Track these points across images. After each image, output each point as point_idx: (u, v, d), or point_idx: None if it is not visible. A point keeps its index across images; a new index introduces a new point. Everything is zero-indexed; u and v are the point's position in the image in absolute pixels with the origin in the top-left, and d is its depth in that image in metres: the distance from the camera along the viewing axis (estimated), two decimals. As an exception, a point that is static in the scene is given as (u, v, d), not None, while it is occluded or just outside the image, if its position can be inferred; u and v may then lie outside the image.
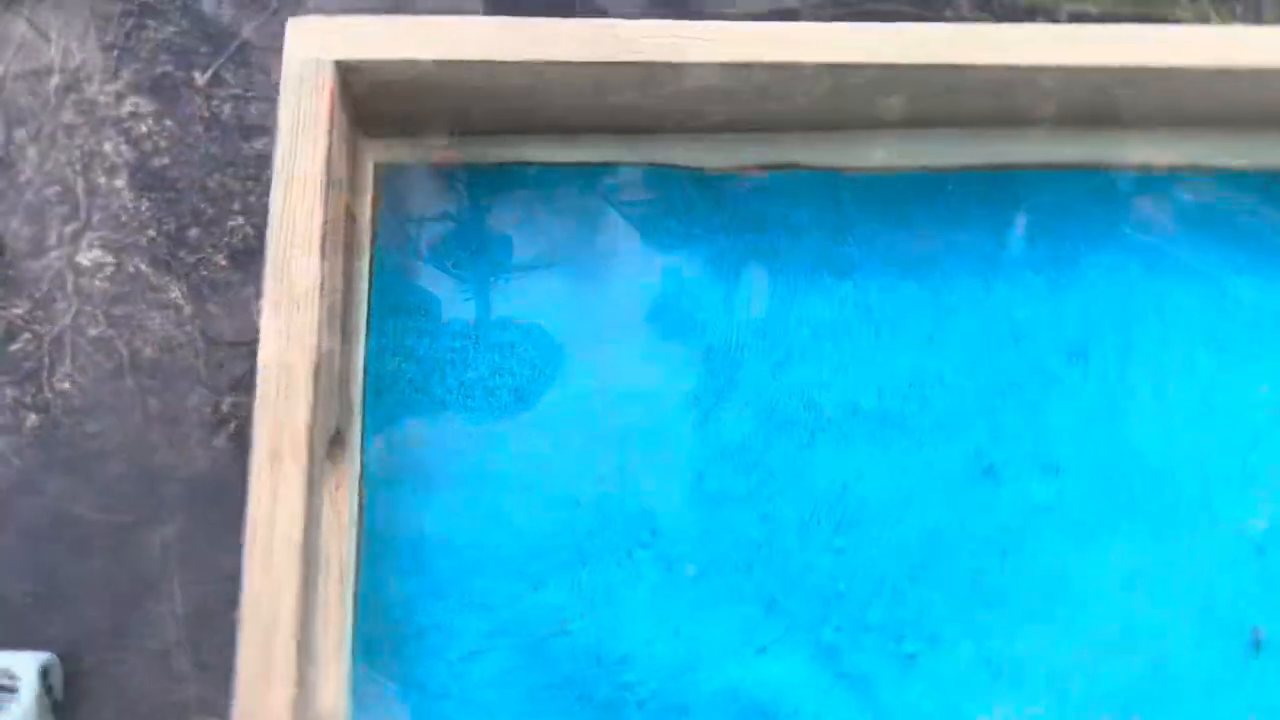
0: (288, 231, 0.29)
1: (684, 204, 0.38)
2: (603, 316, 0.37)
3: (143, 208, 0.36)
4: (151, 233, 0.36)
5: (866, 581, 0.36)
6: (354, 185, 0.35)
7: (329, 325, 0.30)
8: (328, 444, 0.32)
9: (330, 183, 0.30)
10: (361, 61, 0.31)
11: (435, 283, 0.37)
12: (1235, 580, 0.37)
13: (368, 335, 0.36)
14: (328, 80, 0.30)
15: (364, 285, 0.36)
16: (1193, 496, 0.37)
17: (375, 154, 0.37)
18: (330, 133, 0.29)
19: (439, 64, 0.31)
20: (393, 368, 0.36)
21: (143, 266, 0.36)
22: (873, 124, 0.37)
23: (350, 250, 0.35)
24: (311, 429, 0.28)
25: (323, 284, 0.29)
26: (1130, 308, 0.38)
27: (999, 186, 0.39)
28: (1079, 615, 0.36)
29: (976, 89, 0.34)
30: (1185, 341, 0.38)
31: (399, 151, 0.36)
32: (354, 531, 0.35)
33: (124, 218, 0.36)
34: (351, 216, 0.34)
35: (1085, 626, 0.36)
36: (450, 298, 0.37)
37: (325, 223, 0.29)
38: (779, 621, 0.35)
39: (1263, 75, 0.34)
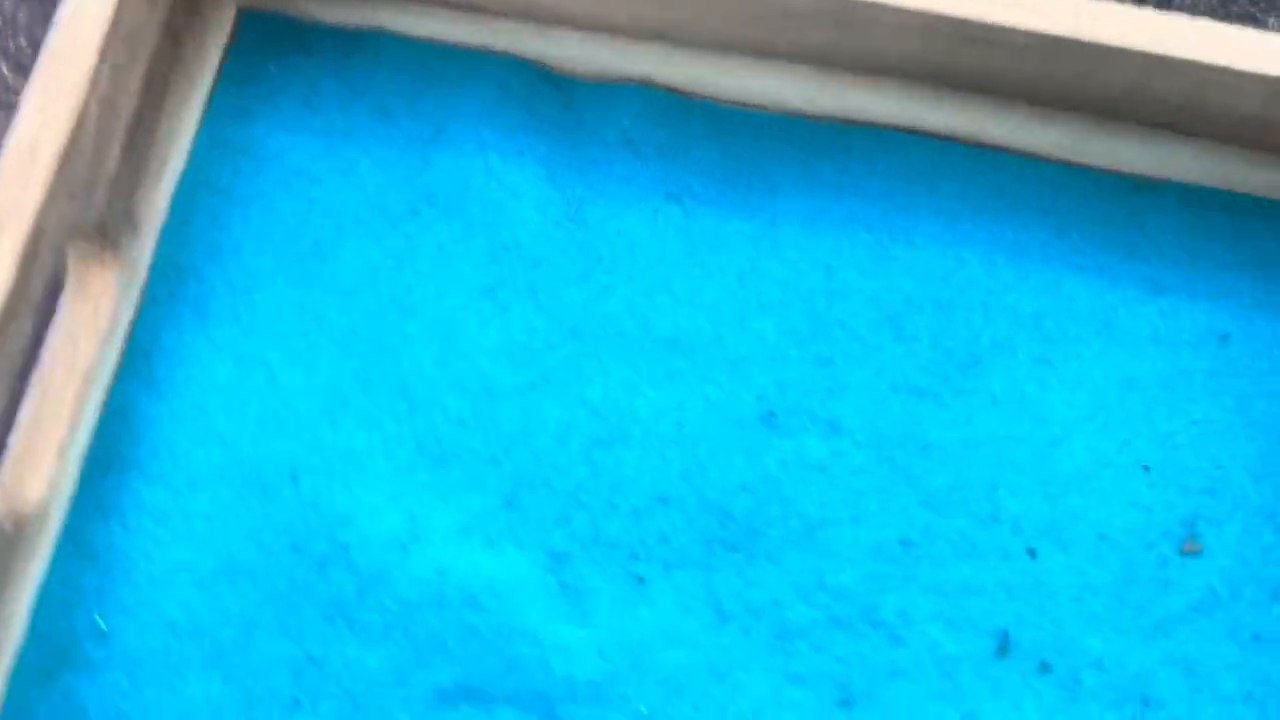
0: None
1: (534, 100, 0.38)
2: (416, 190, 0.37)
3: None
4: None
5: (613, 498, 0.35)
6: (208, 24, 0.37)
7: (105, 130, 0.31)
8: (94, 241, 0.33)
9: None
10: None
11: (269, 131, 0.38)
12: (996, 577, 0.35)
13: (185, 170, 0.37)
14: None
15: (193, 119, 0.37)
16: (972, 481, 0.35)
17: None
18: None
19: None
20: (200, 200, 0.37)
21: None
22: (764, 54, 0.37)
23: (180, 83, 0.36)
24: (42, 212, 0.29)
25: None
26: (956, 286, 0.37)
27: (856, 142, 0.38)
28: (826, 572, 0.34)
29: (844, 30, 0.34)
30: (1007, 329, 0.37)
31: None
32: (116, 340, 0.35)
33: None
34: (175, 45, 0.35)
35: (828, 584, 0.34)
36: (281, 148, 0.38)
37: (113, 23, 0.30)
38: (514, 518, 0.34)
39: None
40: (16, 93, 0.38)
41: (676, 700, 0.33)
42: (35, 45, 0.39)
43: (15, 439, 0.33)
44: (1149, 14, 0.33)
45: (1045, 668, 0.34)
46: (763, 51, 0.37)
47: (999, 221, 0.38)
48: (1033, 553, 0.35)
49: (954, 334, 0.37)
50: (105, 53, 0.30)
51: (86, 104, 0.30)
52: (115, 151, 0.32)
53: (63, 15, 0.30)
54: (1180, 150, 0.38)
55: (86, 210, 0.32)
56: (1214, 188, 0.39)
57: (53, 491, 0.33)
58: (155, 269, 0.36)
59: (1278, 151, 0.37)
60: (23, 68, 0.39)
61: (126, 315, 0.35)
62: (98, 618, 0.33)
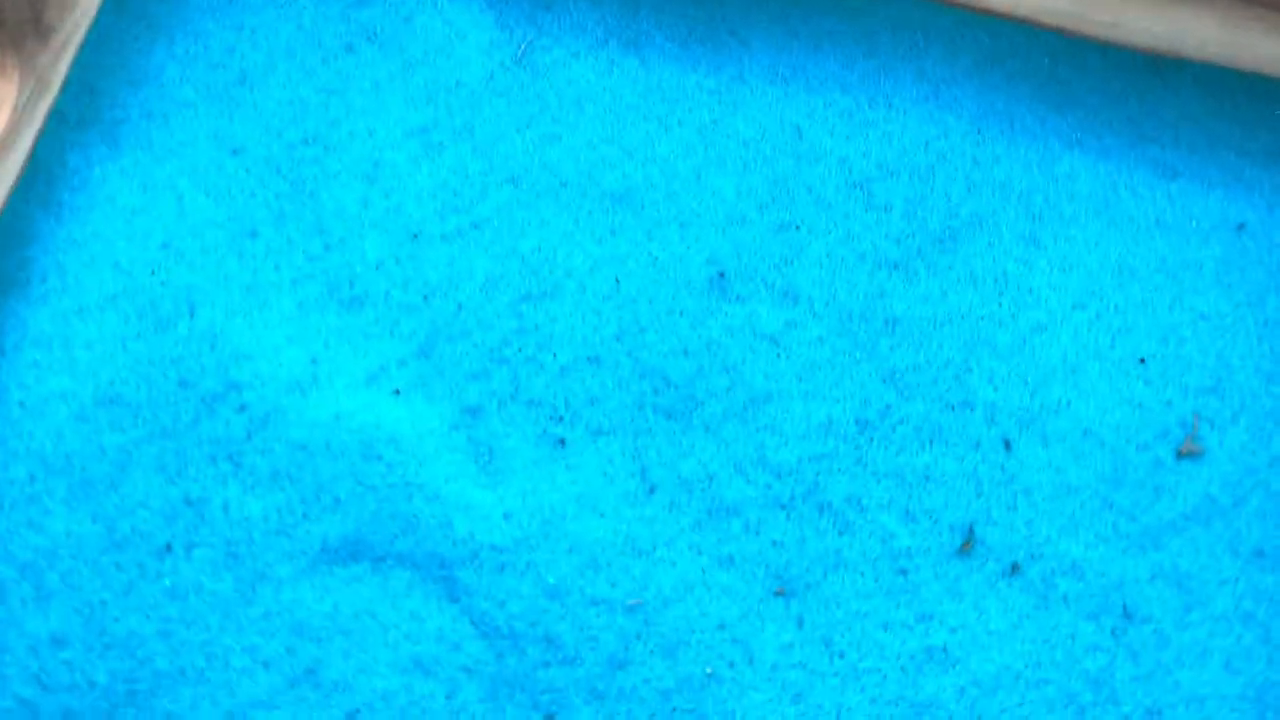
0: None
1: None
2: (354, 24, 0.34)
3: None
4: None
5: (539, 355, 0.31)
6: None
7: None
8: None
9: None
10: None
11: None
12: (964, 467, 0.31)
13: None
14: None
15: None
16: (942, 361, 0.32)
17: None
18: None
19: None
20: (123, 23, 0.34)
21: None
22: None
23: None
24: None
25: None
26: (937, 153, 0.34)
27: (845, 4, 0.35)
28: (769, 448, 0.30)
29: None
30: (992, 203, 0.33)
31: None
32: (17, 155, 0.32)
33: None
34: None
35: (771, 461, 0.30)
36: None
37: None
38: (426, 368, 0.31)
39: None
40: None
41: (590, 574, 0.30)
42: None
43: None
44: None
45: (1015, 570, 0.30)
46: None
47: (990, 90, 0.35)
48: (1008, 444, 0.31)
49: (931, 204, 0.34)
50: None
51: None
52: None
53: None
54: (1197, 18, 0.34)
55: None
56: (1236, 69, 0.35)
57: (-74, 302, 0.30)
58: (67, 88, 0.34)
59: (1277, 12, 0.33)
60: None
61: (30, 131, 0.33)
62: (-38, 443, 0.30)
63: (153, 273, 0.32)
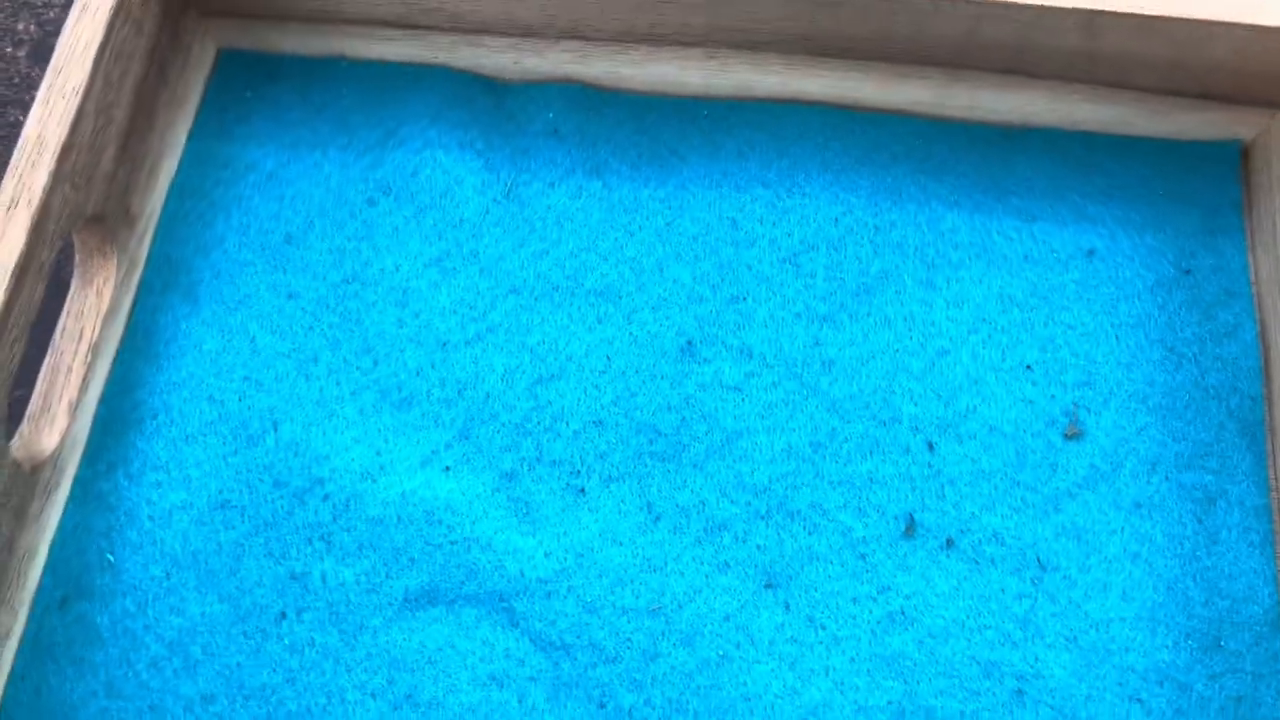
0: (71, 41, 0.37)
1: (471, 102, 0.44)
2: (372, 183, 0.43)
3: None
4: None
5: (555, 426, 0.40)
6: (191, 59, 0.43)
7: (104, 133, 0.37)
8: (96, 233, 0.39)
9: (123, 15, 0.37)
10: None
11: (245, 146, 0.44)
12: (898, 469, 0.39)
13: (175, 180, 0.43)
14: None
15: (180, 137, 0.43)
16: (871, 389, 0.40)
17: (219, 38, 0.45)
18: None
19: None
20: (188, 205, 0.43)
21: None
22: (659, 41, 0.43)
23: (168, 106, 0.42)
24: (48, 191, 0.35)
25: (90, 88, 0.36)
26: (845, 227, 0.42)
27: (749, 115, 0.44)
28: (745, 474, 0.39)
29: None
30: (894, 260, 0.42)
31: (238, 37, 0.44)
32: (118, 321, 0.40)
33: None
34: (162, 72, 0.41)
35: (748, 484, 0.38)
36: (255, 159, 0.44)
37: (104, 44, 0.36)
38: (468, 448, 0.39)
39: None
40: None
41: (618, 590, 0.38)
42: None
43: (33, 400, 0.38)
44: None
45: (950, 544, 0.38)
46: (657, 39, 0.43)
47: (880, 171, 0.44)
48: (931, 446, 0.40)
49: (846, 267, 0.42)
50: (98, 65, 0.36)
51: (83, 107, 0.36)
52: (111, 153, 0.39)
53: (65, 29, 0.36)
54: (1032, 96, 0.43)
55: (87, 199, 0.37)
56: (1069, 129, 0.44)
57: (66, 446, 0.38)
58: (150, 262, 0.42)
59: (1109, 84, 0.42)
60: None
61: (127, 300, 0.41)
62: (108, 554, 0.38)
63: (240, 400, 0.40)
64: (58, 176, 0.36)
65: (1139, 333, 0.41)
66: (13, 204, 0.35)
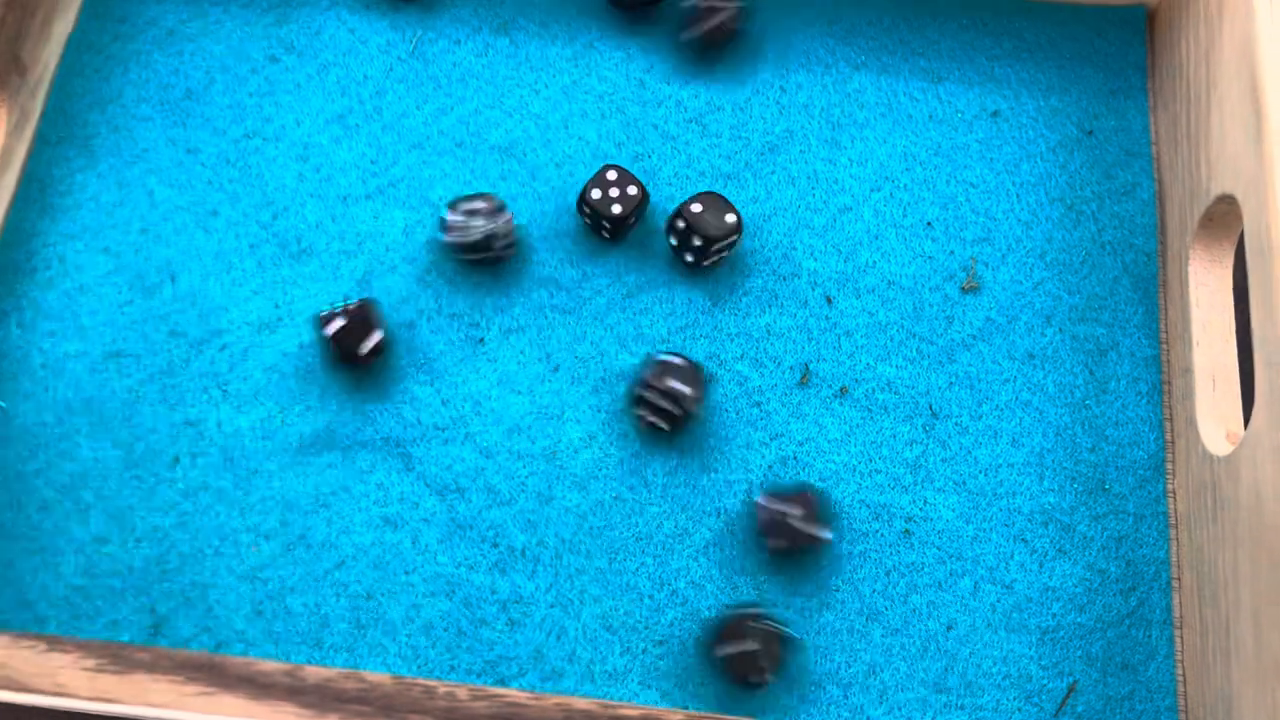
0: None
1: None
2: (275, 40, 0.42)
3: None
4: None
5: (454, 278, 0.39)
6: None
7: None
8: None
9: None
10: None
11: (144, 2, 0.43)
12: (796, 321, 0.39)
13: (71, 34, 0.42)
14: None
15: (78, -8, 0.42)
16: (772, 245, 0.40)
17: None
18: None
19: None
20: (85, 60, 0.42)
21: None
22: None
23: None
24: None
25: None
26: (752, 88, 0.42)
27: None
28: (644, 327, 0.39)
29: None
30: (799, 120, 0.42)
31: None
32: (10, 173, 0.40)
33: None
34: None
35: (646, 335, 0.39)
36: (154, 16, 0.43)
37: None
38: (365, 297, 0.39)
39: None
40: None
41: (515, 437, 0.38)
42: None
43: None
44: None
45: (844, 392, 0.39)
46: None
47: (789, 33, 0.44)
48: (830, 300, 0.40)
49: (751, 127, 0.42)
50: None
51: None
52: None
53: None
54: (940, -44, 0.43)
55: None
56: (979, -7, 0.44)
57: (-44, 294, 0.38)
58: (46, 115, 0.41)
59: (1016, -57, 0.42)
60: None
61: (21, 151, 0.40)
62: (0, 401, 0.37)
63: (136, 252, 0.40)
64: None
65: (1039, 191, 0.42)
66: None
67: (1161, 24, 0.44)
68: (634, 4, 0.43)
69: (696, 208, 0.38)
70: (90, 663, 0.29)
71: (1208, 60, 0.39)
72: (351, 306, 0.37)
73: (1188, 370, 0.38)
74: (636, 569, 0.36)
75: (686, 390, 0.36)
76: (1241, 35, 0.37)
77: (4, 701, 0.28)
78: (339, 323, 0.37)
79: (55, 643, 0.29)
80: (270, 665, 0.29)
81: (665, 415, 0.36)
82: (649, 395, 0.36)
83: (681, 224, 0.39)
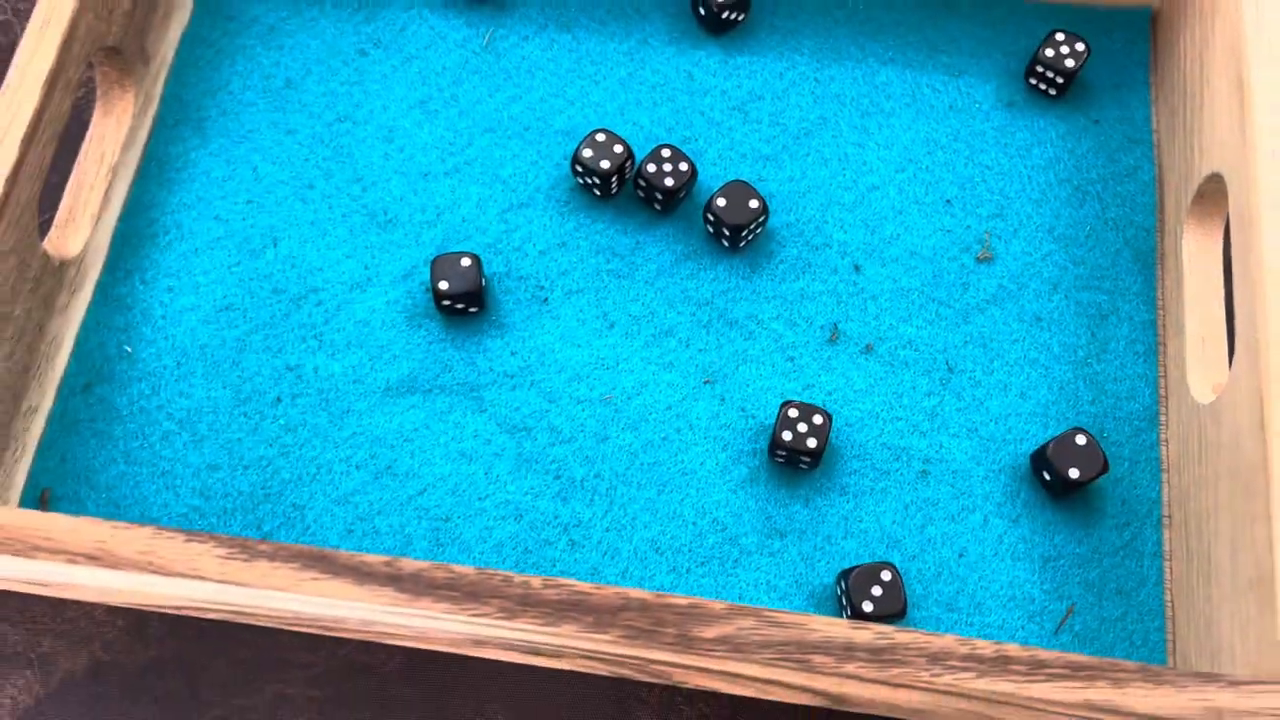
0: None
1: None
2: (364, 36, 0.47)
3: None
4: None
5: (523, 247, 0.44)
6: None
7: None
8: (115, 65, 0.43)
9: None
10: None
11: (249, 4, 0.48)
12: (826, 286, 0.44)
13: (185, 31, 0.47)
14: None
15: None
16: (806, 219, 0.45)
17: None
18: None
19: None
20: (197, 53, 0.47)
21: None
22: None
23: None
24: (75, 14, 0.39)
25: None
26: (789, 80, 0.47)
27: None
28: (690, 289, 0.43)
29: None
30: (832, 109, 0.46)
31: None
32: (135, 149, 0.45)
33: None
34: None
35: (692, 297, 0.43)
36: (258, 13, 0.48)
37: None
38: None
39: None
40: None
41: (575, 384, 0.43)
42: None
43: (59, 212, 0.43)
44: None
45: (869, 349, 0.43)
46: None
47: (824, 31, 0.48)
48: (858, 268, 0.44)
49: (788, 115, 0.47)
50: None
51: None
52: (131, -8, 0.43)
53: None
54: (961, -38, 0.47)
55: (108, 29, 0.42)
56: (997, -4, 0.48)
57: (89, 254, 0.43)
58: (164, 100, 0.47)
59: (1029, -50, 0.47)
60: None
61: (143, 132, 0.46)
62: (125, 347, 0.43)
63: (243, 219, 0.45)
64: (82, 5, 0.40)
65: (1049, 173, 0.46)
66: (45, 24, 0.40)
67: (1163, 25, 0.48)
68: (718, 27, 0.48)
69: (721, 202, 0.43)
70: (222, 551, 0.34)
71: (1202, 58, 0.44)
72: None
73: (1180, 332, 0.42)
74: (681, 500, 0.41)
75: (812, 445, 0.40)
76: (1230, 36, 0.41)
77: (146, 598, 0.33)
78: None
79: (193, 535, 0.34)
80: (373, 557, 0.34)
81: (797, 459, 0.41)
82: (784, 450, 0.40)
83: (711, 216, 0.43)
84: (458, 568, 0.33)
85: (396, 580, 0.33)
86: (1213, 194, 0.42)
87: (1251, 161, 0.39)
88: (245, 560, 0.33)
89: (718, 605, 0.32)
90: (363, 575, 0.33)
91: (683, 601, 0.32)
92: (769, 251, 0.45)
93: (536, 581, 0.32)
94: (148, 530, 0.33)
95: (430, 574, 0.33)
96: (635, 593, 0.32)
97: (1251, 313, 0.37)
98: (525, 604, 0.32)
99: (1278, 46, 0.40)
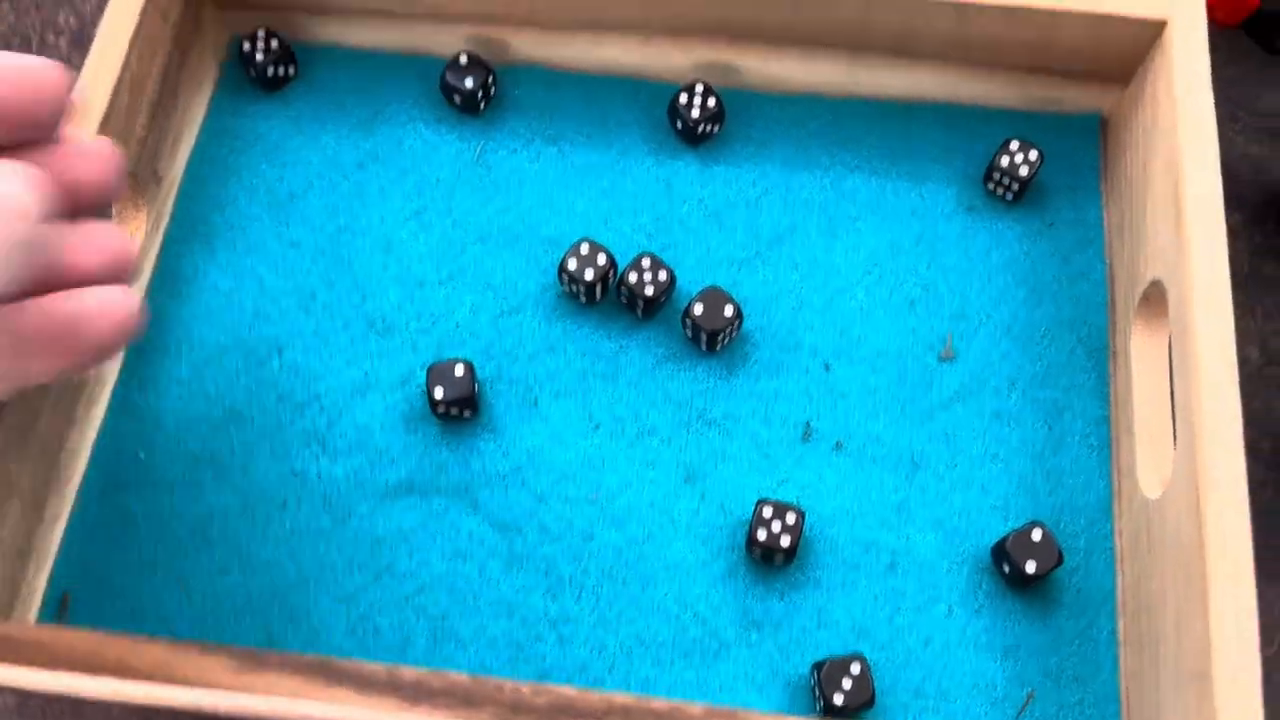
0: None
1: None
2: (363, 150, 0.51)
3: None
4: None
5: (514, 351, 0.47)
6: (209, 44, 0.51)
7: (136, 104, 0.45)
8: (130, 187, 0.46)
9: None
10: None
11: (254, 120, 0.51)
12: (799, 385, 0.47)
13: (195, 148, 0.50)
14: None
15: (200, 112, 0.51)
16: (778, 321, 0.47)
17: (234, 26, 0.52)
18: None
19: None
20: (205, 170, 0.50)
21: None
22: (602, 29, 0.50)
23: (189, 85, 0.50)
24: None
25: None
26: (762, 189, 0.50)
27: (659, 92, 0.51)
28: (671, 390, 0.46)
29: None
30: (802, 216, 0.49)
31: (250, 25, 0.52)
32: (148, 264, 0.48)
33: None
34: (184, 55, 0.49)
35: (673, 397, 0.46)
36: (263, 131, 0.51)
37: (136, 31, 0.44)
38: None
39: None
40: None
41: (563, 484, 0.45)
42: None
43: (78, 327, 0.45)
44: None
45: (839, 446, 0.46)
46: (604, 27, 0.50)
47: (794, 142, 0.51)
48: (828, 367, 0.47)
49: (761, 221, 0.50)
50: (133, 46, 0.44)
51: (120, 80, 0.44)
52: (142, 120, 0.46)
53: (103, 19, 0.44)
54: (920, 75, 0.51)
55: (125, 155, 0.45)
56: (955, 104, 0.51)
57: (105, 365, 0.46)
58: (175, 216, 0.50)
59: (986, 64, 0.50)
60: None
61: (154, 247, 0.49)
62: (140, 453, 0.45)
63: (250, 330, 0.48)
64: (100, 135, 0.43)
65: (1007, 274, 0.49)
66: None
67: (1113, 131, 0.51)
68: (695, 139, 0.51)
69: (698, 309, 0.46)
70: (234, 663, 0.37)
71: (1145, 166, 0.47)
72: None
73: (1130, 428, 0.45)
74: (664, 594, 0.43)
75: (786, 544, 0.42)
76: (1168, 147, 0.44)
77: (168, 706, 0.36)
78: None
79: (207, 648, 0.37)
80: (374, 666, 0.36)
81: (772, 555, 0.43)
82: (759, 547, 0.43)
83: (689, 321, 0.46)
84: (454, 675, 0.35)
85: (397, 688, 0.35)
86: (1157, 297, 0.45)
87: (1187, 269, 0.41)
88: (255, 671, 0.35)
89: (696, 709, 0.35)
90: (365, 684, 0.35)
91: (663, 706, 0.35)
92: (744, 353, 0.48)
93: (526, 689, 0.35)
94: (164, 643, 0.36)
95: (429, 682, 0.35)
96: (619, 697, 0.35)
97: (1189, 417, 0.40)
98: (517, 710, 0.35)
99: (1212, 162, 0.43)
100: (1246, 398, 0.52)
